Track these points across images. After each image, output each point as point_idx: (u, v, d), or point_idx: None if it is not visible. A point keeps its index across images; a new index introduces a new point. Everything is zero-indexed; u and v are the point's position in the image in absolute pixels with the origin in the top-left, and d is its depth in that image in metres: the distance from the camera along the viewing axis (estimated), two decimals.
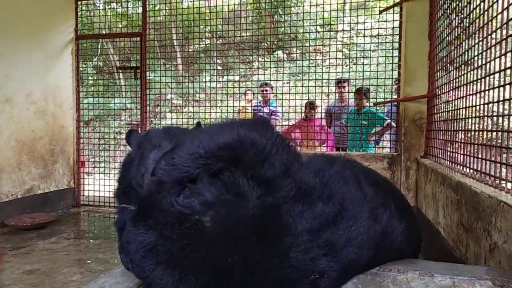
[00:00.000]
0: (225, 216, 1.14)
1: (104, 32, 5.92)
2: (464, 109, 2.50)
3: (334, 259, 1.18)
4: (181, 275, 1.10)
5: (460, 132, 2.61)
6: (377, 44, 4.48)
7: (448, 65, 3.04)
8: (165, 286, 1.11)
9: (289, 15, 4.87)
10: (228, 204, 1.15)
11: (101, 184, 5.35)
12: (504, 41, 1.86)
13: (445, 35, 3.13)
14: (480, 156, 2.15)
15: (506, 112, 1.84)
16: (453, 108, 2.81)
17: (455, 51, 2.79)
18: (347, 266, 1.23)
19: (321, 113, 5.22)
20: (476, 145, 2.24)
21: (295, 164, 1.31)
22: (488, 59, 2.08)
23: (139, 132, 1.55)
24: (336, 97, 5.13)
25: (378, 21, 4.50)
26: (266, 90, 5.18)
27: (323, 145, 4.95)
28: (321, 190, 1.28)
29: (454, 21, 2.84)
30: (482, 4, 2.20)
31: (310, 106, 4.88)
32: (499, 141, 1.93)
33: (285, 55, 7.61)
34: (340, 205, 1.26)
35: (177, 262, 1.10)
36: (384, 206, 1.37)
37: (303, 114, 4.99)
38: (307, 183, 1.28)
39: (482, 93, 2.14)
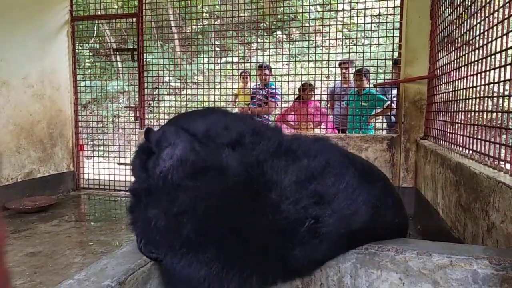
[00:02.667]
0: (211, 193, 1.19)
1: (99, 13, 5.81)
2: (464, 90, 2.49)
3: (327, 207, 1.20)
4: (185, 258, 1.14)
5: (460, 113, 2.60)
6: (377, 24, 4.41)
7: (449, 45, 3.00)
8: (180, 272, 1.16)
9: None
10: (211, 180, 1.21)
11: (100, 167, 5.36)
12: (506, 21, 1.83)
13: (447, 15, 3.07)
14: (479, 137, 2.15)
15: (506, 92, 1.82)
16: (453, 89, 2.79)
17: (457, 31, 2.75)
18: (343, 218, 1.23)
19: (320, 94, 5.17)
20: (475, 126, 2.24)
21: (267, 130, 1.42)
22: (490, 39, 2.05)
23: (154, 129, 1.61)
24: (339, 79, 5.08)
25: (379, 0, 4.41)
26: (265, 73, 5.10)
27: (322, 127, 4.94)
28: (306, 149, 1.32)
29: (456, 0, 2.79)
30: None
31: (305, 87, 4.84)
32: (499, 122, 1.92)
33: (284, 36, 7.51)
34: (326, 162, 1.28)
35: (179, 247, 1.15)
36: (376, 177, 1.40)
37: (296, 96, 4.94)
38: (289, 143, 1.35)
39: (483, 74, 2.12)
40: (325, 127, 4.94)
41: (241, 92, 5.50)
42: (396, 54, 4.18)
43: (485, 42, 2.11)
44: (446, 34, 3.13)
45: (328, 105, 5.35)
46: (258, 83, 5.35)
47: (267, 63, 5.05)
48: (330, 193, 1.21)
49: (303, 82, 4.84)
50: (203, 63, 5.56)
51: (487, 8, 2.12)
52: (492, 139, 1.95)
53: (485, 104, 2.16)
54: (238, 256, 1.14)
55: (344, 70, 4.86)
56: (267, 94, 5.09)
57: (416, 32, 3.91)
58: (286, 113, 5.01)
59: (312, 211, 1.17)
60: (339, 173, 1.26)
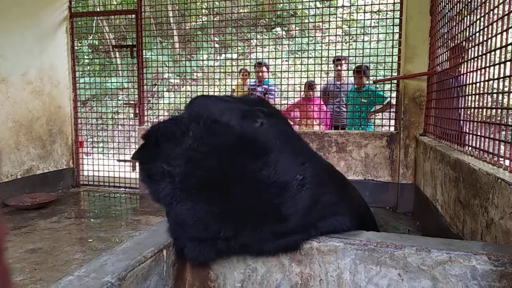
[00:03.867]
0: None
1: (98, 9, 5.79)
2: (464, 86, 2.49)
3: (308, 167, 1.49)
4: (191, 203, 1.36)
5: (459, 109, 2.61)
6: (377, 20, 4.40)
7: (449, 41, 3.00)
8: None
9: None
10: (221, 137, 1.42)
11: (100, 164, 5.36)
12: (506, 17, 1.83)
13: (447, 11, 3.07)
14: (479, 133, 2.15)
15: (506, 89, 1.82)
16: (453, 86, 2.79)
17: (457, 27, 2.75)
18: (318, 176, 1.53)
19: (320, 91, 5.16)
20: (475, 122, 2.24)
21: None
22: (490, 35, 2.05)
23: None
24: (333, 75, 5.06)
25: None
26: (263, 71, 5.09)
27: (322, 124, 4.94)
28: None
29: None
30: None
31: (309, 86, 4.84)
32: (499, 118, 1.92)
33: (283, 32, 7.49)
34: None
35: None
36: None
37: (302, 93, 4.95)
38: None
39: (483, 70, 2.12)
40: (324, 124, 4.94)
41: (239, 89, 5.49)
42: (396, 50, 4.17)
43: (485, 39, 2.11)
44: (446, 31, 3.13)
45: (322, 102, 5.34)
46: (255, 80, 5.35)
47: (265, 60, 5.04)
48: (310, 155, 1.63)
49: (309, 81, 4.83)
50: (203, 60, 5.54)
51: (487, 4, 2.11)
52: (492, 136, 1.96)
53: (485, 101, 2.16)
54: (237, 205, 1.36)
55: (338, 67, 4.84)
56: (264, 91, 5.08)
57: (415, 28, 3.90)
58: (290, 109, 5.00)
59: (302, 168, 1.45)
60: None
